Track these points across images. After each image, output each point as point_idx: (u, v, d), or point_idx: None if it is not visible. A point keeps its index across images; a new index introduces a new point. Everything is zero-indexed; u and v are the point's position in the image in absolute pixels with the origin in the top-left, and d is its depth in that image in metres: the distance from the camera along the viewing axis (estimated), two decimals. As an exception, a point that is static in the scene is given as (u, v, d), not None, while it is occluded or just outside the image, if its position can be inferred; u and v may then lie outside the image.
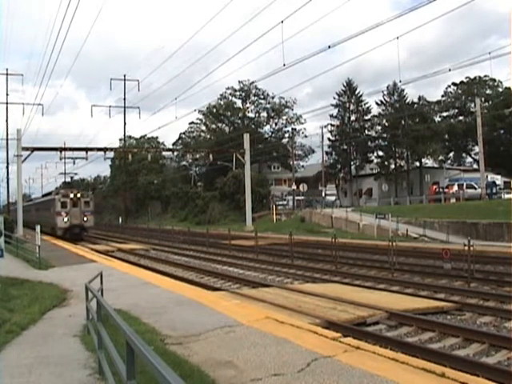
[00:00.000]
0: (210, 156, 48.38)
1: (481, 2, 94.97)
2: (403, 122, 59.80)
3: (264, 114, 74.51)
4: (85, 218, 38.90)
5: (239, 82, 70.84)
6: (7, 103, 48.87)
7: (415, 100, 63.66)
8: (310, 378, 5.44)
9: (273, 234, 37.02)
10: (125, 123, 70.70)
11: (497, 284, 14.40)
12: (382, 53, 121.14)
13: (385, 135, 63.62)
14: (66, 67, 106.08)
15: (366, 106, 65.72)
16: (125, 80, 65.94)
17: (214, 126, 76.03)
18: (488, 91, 66.12)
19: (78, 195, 39.22)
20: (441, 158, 69.56)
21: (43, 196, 54.35)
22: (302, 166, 75.38)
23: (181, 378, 2.48)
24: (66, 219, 38.03)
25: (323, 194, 54.79)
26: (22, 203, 66.43)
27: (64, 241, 35.27)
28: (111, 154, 57.11)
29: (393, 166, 62.83)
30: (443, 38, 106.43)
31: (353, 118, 66.57)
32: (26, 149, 39.59)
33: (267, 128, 75.33)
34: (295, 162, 66.80)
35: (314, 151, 71.79)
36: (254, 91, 71.79)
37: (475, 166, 59.68)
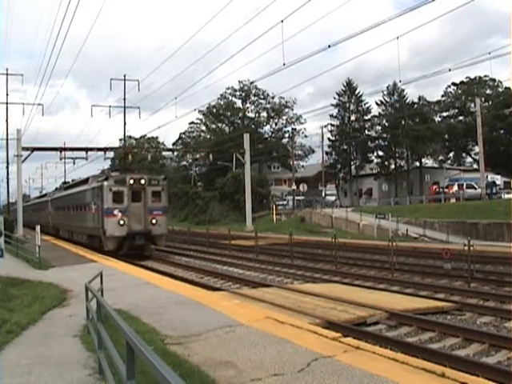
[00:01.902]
0: (210, 156, 48.36)
1: (483, 2, 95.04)
2: (403, 122, 59.82)
3: (264, 114, 74.59)
4: (153, 221, 23.57)
5: (239, 81, 70.92)
6: (7, 103, 48.78)
7: (416, 100, 63.74)
8: (310, 378, 5.45)
9: (273, 234, 37.02)
10: (125, 123, 70.53)
11: (497, 284, 14.39)
12: (384, 52, 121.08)
13: (385, 135, 63.66)
14: (67, 67, 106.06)
15: (366, 105, 65.85)
16: (125, 80, 65.74)
17: (213, 126, 76.10)
18: (488, 91, 66.17)
19: (143, 181, 23.78)
20: (441, 158, 69.62)
21: (71, 186, 36.54)
22: (302, 166, 75.43)
23: (181, 378, 2.49)
24: (121, 222, 22.84)
25: (323, 194, 54.81)
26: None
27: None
28: (111, 154, 57.08)
29: (393, 166, 62.89)
30: (445, 37, 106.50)
31: (353, 117, 66.65)
32: (26, 149, 39.53)
33: (267, 128, 75.47)
34: (295, 162, 66.84)
35: (314, 151, 71.92)
36: (253, 91, 71.84)
37: (475, 166, 59.70)
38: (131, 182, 23.45)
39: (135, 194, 23.54)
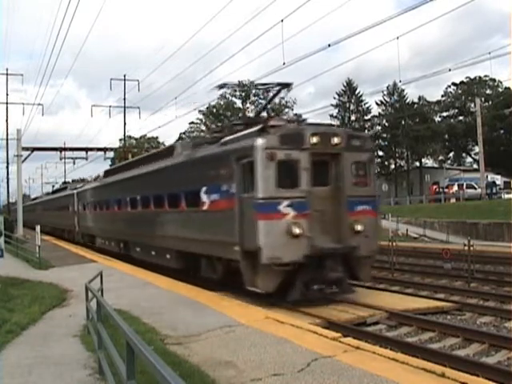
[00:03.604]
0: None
1: (484, 2, 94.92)
2: (403, 122, 59.89)
3: (264, 114, 74.47)
4: (358, 226, 10.75)
5: (239, 82, 70.95)
6: (7, 103, 48.81)
7: (416, 100, 63.85)
8: (310, 378, 5.45)
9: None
10: (125, 123, 70.60)
11: (497, 284, 14.39)
12: (385, 52, 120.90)
13: (385, 135, 63.75)
14: (68, 67, 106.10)
15: (366, 105, 65.96)
16: (125, 80, 65.77)
17: (213, 126, 76.11)
18: (488, 91, 66.26)
19: (337, 139, 10.83)
20: (441, 158, 69.67)
21: (125, 167, 22.85)
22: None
23: (181, 378, 2.49)
24: (296, 229, 10.06)
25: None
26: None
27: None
28: (111, 154, 57.12)
29: (393, 166, 62.96)
30: (446, 37, 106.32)
31: (353, 117, 66.79)
32: (26, 149, 39.55)
33: (267, 128, 75.31)
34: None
35: (314, 151, 71.75)
36: (254, 91, 71.86)
37: (475, 166, 59.77)
38: (314, 140, 10.69)
39: (320, 169, 10.96)
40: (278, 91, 13.30)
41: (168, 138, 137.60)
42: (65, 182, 54.53)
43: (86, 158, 44.12)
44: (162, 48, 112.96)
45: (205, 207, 12.79)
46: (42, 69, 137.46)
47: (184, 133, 79.27)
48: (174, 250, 15.14)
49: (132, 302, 10.36)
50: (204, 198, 12.83)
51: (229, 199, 11.47)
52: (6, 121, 48.58)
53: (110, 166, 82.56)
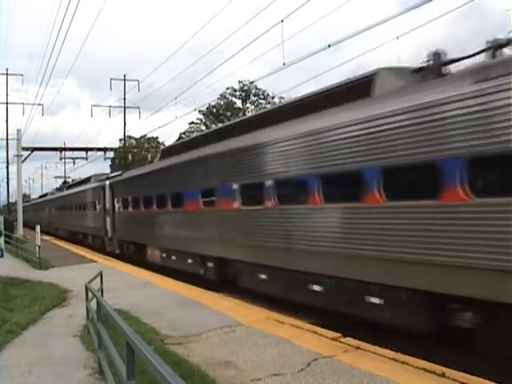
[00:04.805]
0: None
1: (486, 1, 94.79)
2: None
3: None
4: None
5: (239, 82, 70.99)
6: (7, 103, 48.78)
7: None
8: (310, 378, 5.45)
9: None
10: (125, 123, 70.58)
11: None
12: (389, 52, 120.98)
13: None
14: (68, 67, 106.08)
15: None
16: (125, 80, 65.79)
17: (214, 126, 76.16)
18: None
19: None
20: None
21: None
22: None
23: (181, 378, 2.48)
24: None
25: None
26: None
27: (65, 241, 32.62)
28: (111, 154, 57.13)
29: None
30: (449, 37, 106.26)
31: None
32: (26, 149, 39.53)
33: (267, 128, 75.31)
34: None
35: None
36: (254, 91, 71.92)
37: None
38: None
39: None
40: None
41: (168, 138, 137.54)
42: (65, 182, 54.41)
43: (86, 158, 44.17)
44: (162, 48, 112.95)
45: None
46: (42, 69, 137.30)
47: (184, 133, 79.27)
48: (382, 286, 7.52)
49: (132, 301, 10.36)
50: None
51: None
52: (6, 121, 48.54)
53: (110, 166, 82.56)
